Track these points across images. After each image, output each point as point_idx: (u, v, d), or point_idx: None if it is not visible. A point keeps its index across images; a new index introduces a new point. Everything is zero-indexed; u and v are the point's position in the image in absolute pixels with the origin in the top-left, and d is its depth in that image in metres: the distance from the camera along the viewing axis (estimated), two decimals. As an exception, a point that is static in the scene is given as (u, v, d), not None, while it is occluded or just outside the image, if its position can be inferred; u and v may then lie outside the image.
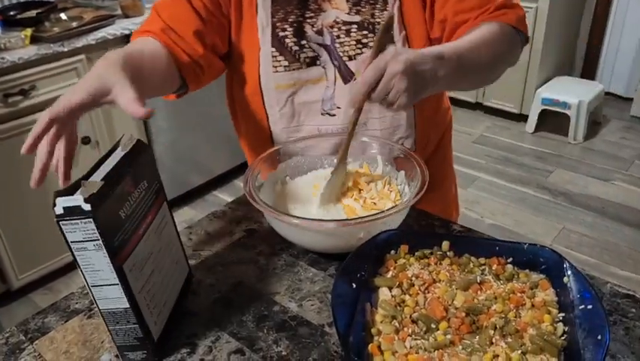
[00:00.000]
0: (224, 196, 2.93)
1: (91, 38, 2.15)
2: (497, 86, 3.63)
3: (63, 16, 2.25)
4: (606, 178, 2.95)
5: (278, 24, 0.97)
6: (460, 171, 3.07)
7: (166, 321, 0.72)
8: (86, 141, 2.23)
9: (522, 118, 3.49)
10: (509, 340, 0.63)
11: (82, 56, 2.15)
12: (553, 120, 3.36)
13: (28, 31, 2.06)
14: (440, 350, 0.62)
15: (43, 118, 0.67)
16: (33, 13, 2.23)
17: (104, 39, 2.19)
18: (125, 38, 2.27)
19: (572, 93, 3.25)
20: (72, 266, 2.32)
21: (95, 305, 0.64)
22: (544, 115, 3.35)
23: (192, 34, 0.92)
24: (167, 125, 2.56)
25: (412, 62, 0.74)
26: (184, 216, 2.76)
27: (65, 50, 2.09)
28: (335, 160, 0.99)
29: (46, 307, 0.80)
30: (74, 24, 2.17)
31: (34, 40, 2.07)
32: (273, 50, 0.97)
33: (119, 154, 0.67)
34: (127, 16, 2.34)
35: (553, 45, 3.36)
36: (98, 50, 2.20)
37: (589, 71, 3.74)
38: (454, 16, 0.92)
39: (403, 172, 0.93)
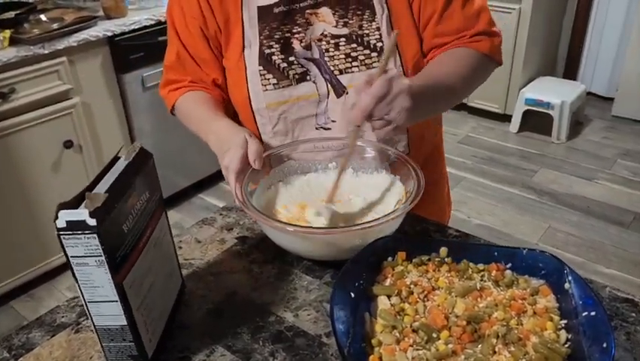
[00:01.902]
0: (210, 199, 2.89)
1: (72, 40, 2.10)
2: (481, 86, 3.64)
3: (43, 17, 2.19)
4: (590, 177, 2.97)
5: (264, 41, 0.95)
6: (446, 171, 3.07)
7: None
8: (68, 145, 2.18)
9: (506, 118, 3.50)
10: (512, 348, 0.62)
11: (63, 58, 2.10)
12: (536, 120, 3.38)
13: (7, 33, 2.00)
14: (443, 360, 0.61)
15: (232, 178, 0.84)
16: (12, 14, 2.16)
17: (86, 41, 2.14)
18: (108, 40, 2.23)
19: (555, 93, 3.28)
20: (54, 273, 2.27)
21: (84, 319, 0.62)
22: (527, 115, 3.38)
23: (212, 81, 1.01)
24: (150, 126, 2.52)
25: (412, 85, 0.77)
26: (170, 219, 2.71)
27: (46, 52, 2.03)
28: (328, 164, 0.98)
29: (30, 322, 0.77)
30: (55, 25, 2.12)
31: (14, 41, 2.01)
32: (261, 68, 0.95)
33: (122, 163, 0.64)
34: (109, 18, 2.29)
35: (535, 46, 3.38)
36: (79, 52, 2.15)
37: (571, 72, 3.77)
38: (432, 38, 0.95)
39: (398, 177, 0.91)
